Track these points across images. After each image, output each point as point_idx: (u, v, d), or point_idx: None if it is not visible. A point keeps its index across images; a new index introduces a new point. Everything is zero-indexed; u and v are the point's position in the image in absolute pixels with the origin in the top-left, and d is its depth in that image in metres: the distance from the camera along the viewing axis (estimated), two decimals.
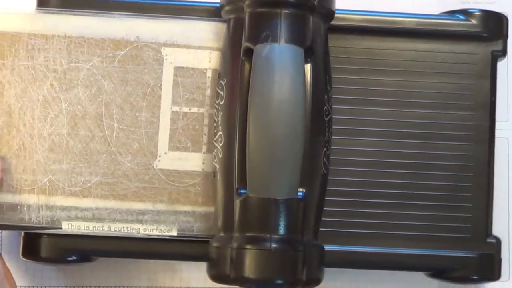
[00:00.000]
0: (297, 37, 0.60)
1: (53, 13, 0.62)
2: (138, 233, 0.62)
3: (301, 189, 0.60)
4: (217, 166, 0.61)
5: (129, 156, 0.62)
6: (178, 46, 0.63)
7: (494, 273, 0.65)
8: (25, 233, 0.63)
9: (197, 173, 0.63)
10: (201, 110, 0.63)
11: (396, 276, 0.68)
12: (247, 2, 0.60)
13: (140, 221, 0.62)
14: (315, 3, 0.60)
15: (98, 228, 0.62)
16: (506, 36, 0.66)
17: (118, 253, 0.63)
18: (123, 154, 0.62)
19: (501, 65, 0.66)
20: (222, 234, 0.61)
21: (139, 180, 0.62)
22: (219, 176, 0.61)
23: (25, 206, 0.62)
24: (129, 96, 0.62)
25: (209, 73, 0.63)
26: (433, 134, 0.65)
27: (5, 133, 0.62)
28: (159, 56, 0.63)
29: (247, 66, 0.60)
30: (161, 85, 0.63)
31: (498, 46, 0.65)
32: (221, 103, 0.61)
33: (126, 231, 0.62)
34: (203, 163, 0.63)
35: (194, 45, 0.63)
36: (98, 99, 0.62)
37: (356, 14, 0.65)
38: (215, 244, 0.61)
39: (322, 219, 0.62)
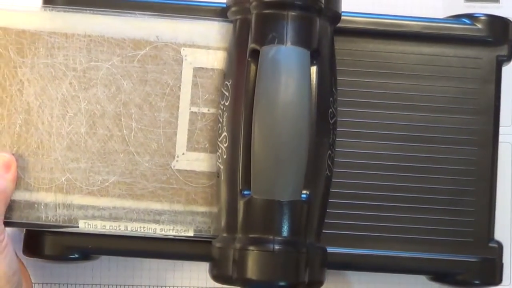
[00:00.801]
0: (304, 39, 0.60)
1: (73, 11, 0.62)
2: (154, 233, 0.62)
3: (305, 191, 0.60)
4: (221, 167, 0.61)
5: (147, 156, 0.62)
6: (198, 46, 0.63)
7: (495, 278, 0.65)
8: (27, 230, 0.63)
9: (215, 174, 0.62)
10: None
11: (397, 279, 0.69)
12: (253, 4, 0.60)
13: (157, 221, 0.62)
14: (322, 5, 0.60)
15: (115, 228, 0.62)
16: (511, 41, 0.66)
17: (121, 252, 0.63)
18: (141, 154, 0.62)
19: (505, 70, 0.66)
20: (225, 234, 0.61)
21: (156, 180, 0.62)
22: (223, 177, 0.61)
23: (43, 204, 0.61)
24: (148, 96, 0.62)
25: None
26: (437, 138, 0.65)
27: (24, 131, 0.61)
28: (178, 57, 0.63)
29: (253, 67, 0.60)
30: (180, 85, 0.63)
31: (503, 51, 0.66)
32: (226, 104, 0.61)
33: (142, 231, 0.62)
34: None
35: (214, 46, 0.63)
36: (117, 98, 0.62)
37: (362, 17, 0.65)
38: (218, 245, 0.61)
39: (325, 221, 0.62)
